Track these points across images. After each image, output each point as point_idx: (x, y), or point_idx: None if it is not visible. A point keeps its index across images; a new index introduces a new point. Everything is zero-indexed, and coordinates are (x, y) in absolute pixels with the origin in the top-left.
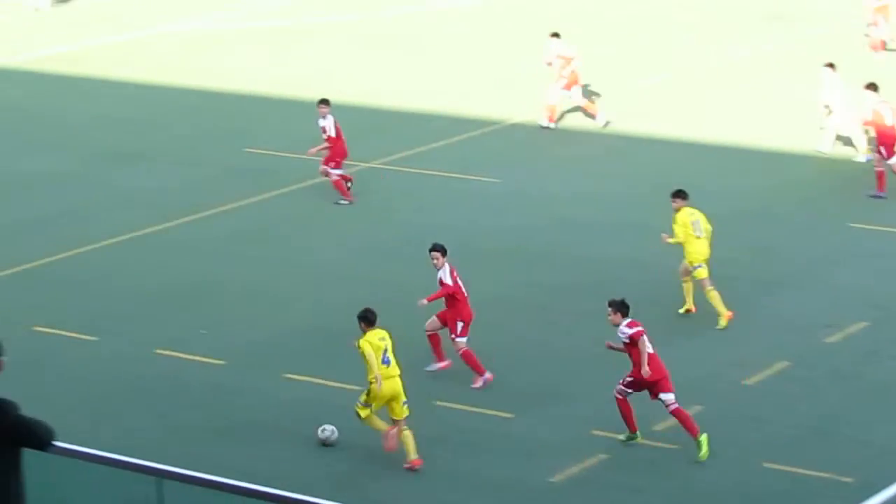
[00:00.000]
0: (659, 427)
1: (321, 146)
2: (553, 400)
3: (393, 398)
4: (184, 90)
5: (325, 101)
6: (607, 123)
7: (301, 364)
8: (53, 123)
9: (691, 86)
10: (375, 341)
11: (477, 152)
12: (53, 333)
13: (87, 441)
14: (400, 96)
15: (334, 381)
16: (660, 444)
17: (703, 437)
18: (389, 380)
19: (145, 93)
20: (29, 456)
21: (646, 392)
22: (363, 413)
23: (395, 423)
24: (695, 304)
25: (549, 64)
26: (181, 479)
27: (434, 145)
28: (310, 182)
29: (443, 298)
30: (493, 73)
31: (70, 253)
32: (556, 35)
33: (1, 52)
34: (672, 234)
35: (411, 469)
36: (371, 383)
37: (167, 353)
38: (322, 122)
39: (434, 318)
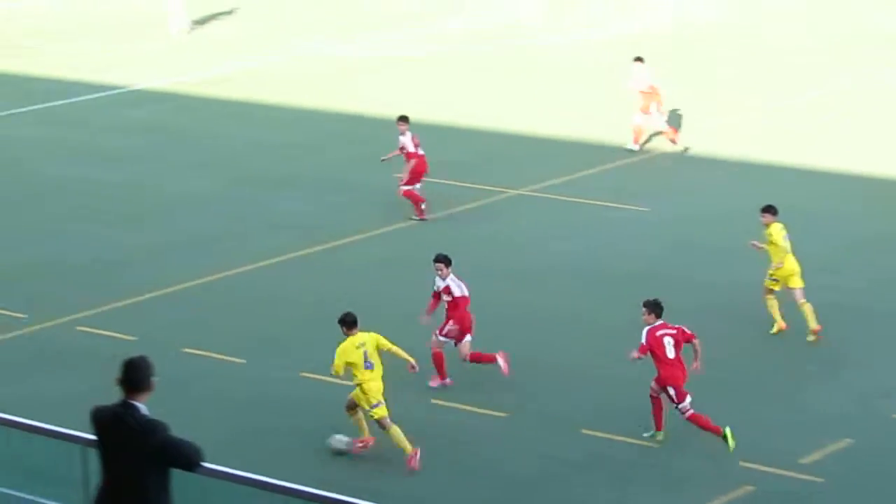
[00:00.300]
0: (805, 460)
1: (393, 152)
2: (698, 429)
3: None
4: (330, 114)
5: (404, 119)
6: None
7: (447, 389)
8: (203, 146)
9: (817, 112)
10: (352, 348)
11: (626, 180)
12: (202, 355)
13: (234, 462)
14: (549, 124)
15: (481, 407)
16: (806, 477)
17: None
18: (372, 382)
19: (293, 116)
20: (178, 476)
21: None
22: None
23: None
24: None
25: (642, 91)
26: (328, 503)
27: (588, 172)
28: (458, 208)
29: (447, 305)
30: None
31: (219, 275)
32: (639, 59)
33: (150, 75)
34: (763, 242)
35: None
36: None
37: (314, 376)
38: (402, 139)
39: (455, 330)
